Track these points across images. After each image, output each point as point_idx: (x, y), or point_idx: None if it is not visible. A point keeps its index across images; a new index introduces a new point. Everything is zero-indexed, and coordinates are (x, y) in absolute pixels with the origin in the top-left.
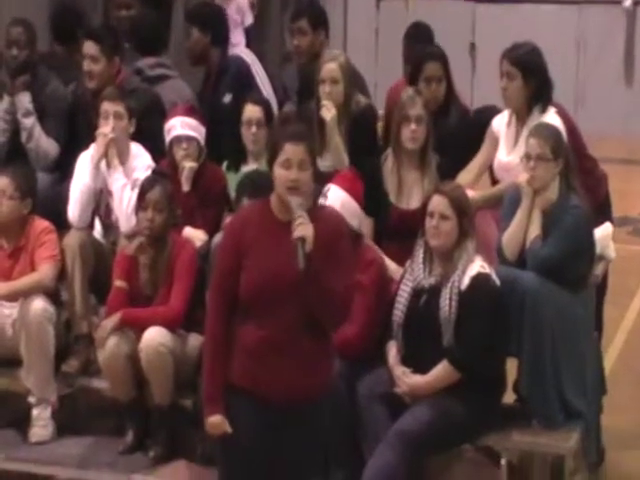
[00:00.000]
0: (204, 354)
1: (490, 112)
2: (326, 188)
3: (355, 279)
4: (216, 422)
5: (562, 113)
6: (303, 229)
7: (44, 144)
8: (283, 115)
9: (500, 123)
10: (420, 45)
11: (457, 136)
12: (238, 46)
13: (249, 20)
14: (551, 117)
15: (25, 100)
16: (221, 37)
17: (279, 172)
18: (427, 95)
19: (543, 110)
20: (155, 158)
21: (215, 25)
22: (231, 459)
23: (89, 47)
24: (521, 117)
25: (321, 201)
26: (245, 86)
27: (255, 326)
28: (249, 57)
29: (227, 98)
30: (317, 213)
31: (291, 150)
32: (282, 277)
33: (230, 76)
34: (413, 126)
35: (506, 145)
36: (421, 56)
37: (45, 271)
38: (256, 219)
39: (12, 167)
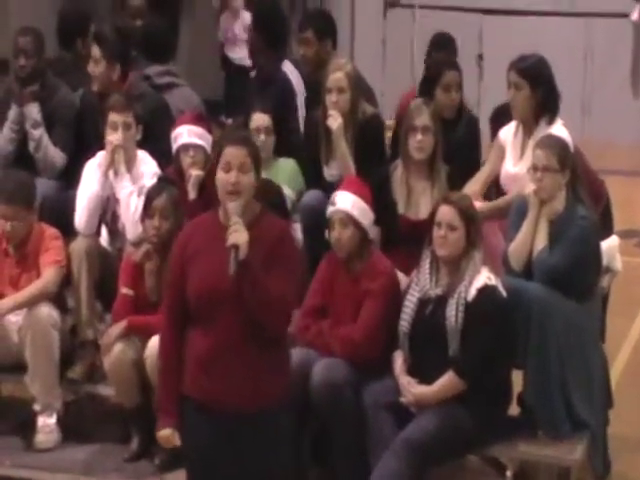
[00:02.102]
0: (158, 364)
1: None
2: (333, 195)
3: (295, 287)
4: (165, 435)
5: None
6: (236, 236)
7: (51, 154)
8: (234, 124)
9: (507, 134)
10: (437, 54)
11: (466, 146)
12: (294, 73)
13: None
14: (558, 129)
15: (34, 111)
16: (275, 39)
17: (220, 175)
18: (445, 102)
19: (550, 121)
20: (161, 164)
21: (269, 26)
22: (192, 470)
23: (94, 50)
24: (528, 128)
25: (330, 209)
26: (284, 108)
27: (201, 334)
28: (298, 88)
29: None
30: (263, 220)
31: (231, 153)
32: (221, 282)
33: (273, 93)
34: (419, 136)
35: (513, 156)
36: (441, 64)
37: (48, 277)
38: (203, 227)
39: (8, 186)
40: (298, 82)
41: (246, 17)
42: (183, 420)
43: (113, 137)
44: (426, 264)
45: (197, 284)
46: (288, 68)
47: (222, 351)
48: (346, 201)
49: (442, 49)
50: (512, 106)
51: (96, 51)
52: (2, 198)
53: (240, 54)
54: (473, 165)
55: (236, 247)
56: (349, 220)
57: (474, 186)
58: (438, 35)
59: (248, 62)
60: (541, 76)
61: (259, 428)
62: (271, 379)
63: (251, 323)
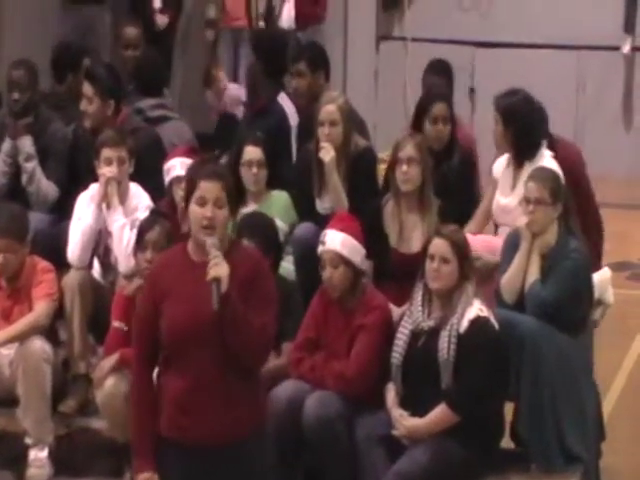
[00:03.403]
0: (130, 406)
1: None
2: (323, 234)
3: (273, 317)
4: (146, 479)
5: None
6: (217, 269)
7: (44, 187)
8: (204, 157)
9: (499, 166)
10: (431, 78)
11: (459, 178)
12: (290, 107)
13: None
14: (548, 161)
15: (27, 144)
16: (273, 69)
17: (194, 210)
18: (433, 135)
19: (531, 157)
20: (154, 197)
21: (269, 56)
22: None
23: (86, 87)
24: (517, 160)
25: (320, 248)
26: (278, 140)
27: (177, 373)
28: (293, 121)
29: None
30: (236, 252)
31: (206, 187)
32: (199, 318)
33: (268, 123)
34: (404, 167)
35: (504, 187)
36: (428, 96)
37: (40, 310)
38: (173, 264)
39: (0, 218)
40: (293, 115)
41: (232, 90)
42: (161, 462)
43: (106, 170)
44: (418, 296)
45: (174, 321)
46: (285, 101)
47: (200, 389)
48: (335, 240)
49: (438, 75)
50: (494, 138)
51: (89, 89)
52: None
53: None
54: (469, 199)
55: (217, 280)
56: (339, 260)
57: (472, 224)
58: (435, 61)
59: (239, 114)
60: (515, 116)
61: (241, 461)
62: (249, 410)
63: (228, 357)
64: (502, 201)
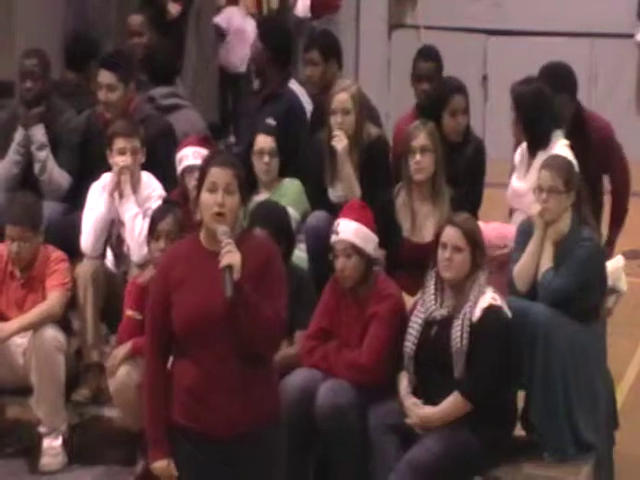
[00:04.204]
0: (143, 395)
1: None
2: (335, 223)
3: (284, 304)
4: (162, 467)
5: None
6: (230, 257)
7: (56, 176)
8: (217, 148)
9: (519, 152)
10: (424, 64)
11: (473, 169)
12: (301, 91)
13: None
14: (560, 149)
15: (39, 133)
16: (281, 56)
17: (205, 196)
18: (452, 127)
19: (542, 146)
20: (166, 186)
21: (276, 42)
22: None
23: (105, 76)
24: (529, 147)
25: (333, 237)
26: (293, 123)
27: (191, 362)
28: (307, 106)
29: (271, 120)
30: (246, 239)
31: (217, 173)
32: (213, 307)
33: (279, 107)
34: (417, 157)
35: (520, 171)
36: (447, 89)
37: (53, 299)
38: (185, 253)
39: (15, 207)
40: (306, 100)
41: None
42: (175, 450)
43: (119, 159)
44: (431, 285)
45: (187, 311)
46: (296, 86)
47: (214, 378)
48: (348, 230)
49: (427, 61)
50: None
51: (110, 77)
52: (9, 219)
53: (237, 60)
54: (477, 189)
55: (230, 268)
56: (352, 250)
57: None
58: (424, 48)
59: (243, 69)
60: (524, 105)
61: (256, 449)
62: (264, 398)
63: (242, 346)
64: (515, 184)
